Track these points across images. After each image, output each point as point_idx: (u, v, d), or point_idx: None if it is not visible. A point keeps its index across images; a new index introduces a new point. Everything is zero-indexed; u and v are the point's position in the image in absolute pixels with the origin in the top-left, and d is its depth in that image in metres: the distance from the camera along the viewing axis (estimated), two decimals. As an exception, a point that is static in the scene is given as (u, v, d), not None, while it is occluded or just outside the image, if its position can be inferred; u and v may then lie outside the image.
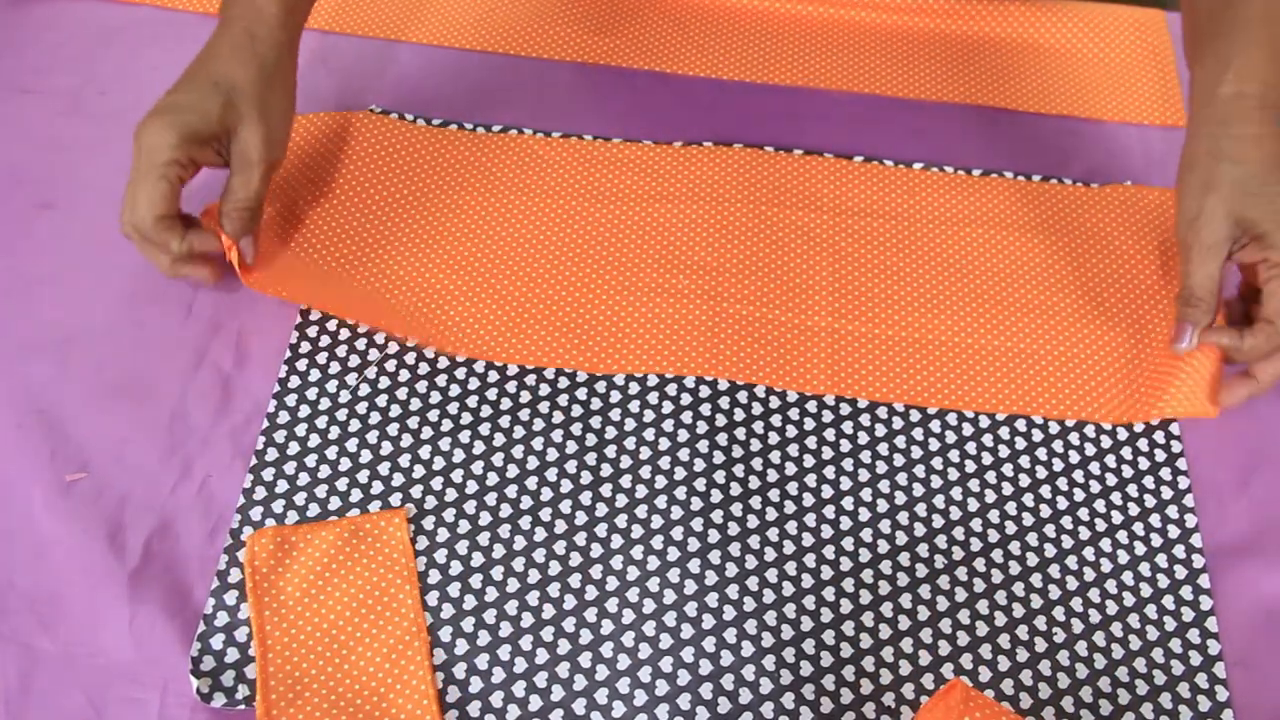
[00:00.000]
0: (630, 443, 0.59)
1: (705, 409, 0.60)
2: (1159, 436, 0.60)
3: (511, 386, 0.61)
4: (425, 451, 0.58)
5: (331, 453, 0.58)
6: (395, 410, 0.60)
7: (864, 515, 0.57)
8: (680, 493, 0.57)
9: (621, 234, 0.67)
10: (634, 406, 0.60)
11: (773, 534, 0.56)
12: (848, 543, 0.56)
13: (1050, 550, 0.57)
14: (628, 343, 0.62)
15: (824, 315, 0.64)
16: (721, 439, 0.59)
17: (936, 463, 0.59)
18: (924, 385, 0.61)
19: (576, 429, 0.59)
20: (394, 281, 0.64)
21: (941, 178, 0.70)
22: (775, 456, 0.59)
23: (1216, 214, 0.56)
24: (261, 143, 0.58)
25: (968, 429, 0.60)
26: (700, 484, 0.57)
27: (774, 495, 0.57)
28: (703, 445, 0.59)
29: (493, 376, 0.61)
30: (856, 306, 0.64)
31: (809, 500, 0.58)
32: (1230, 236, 0.57)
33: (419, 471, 0.58)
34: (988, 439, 0.60)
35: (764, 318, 0.63)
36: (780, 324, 0.63)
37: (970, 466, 0.59)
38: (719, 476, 0.58)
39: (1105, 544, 0.57)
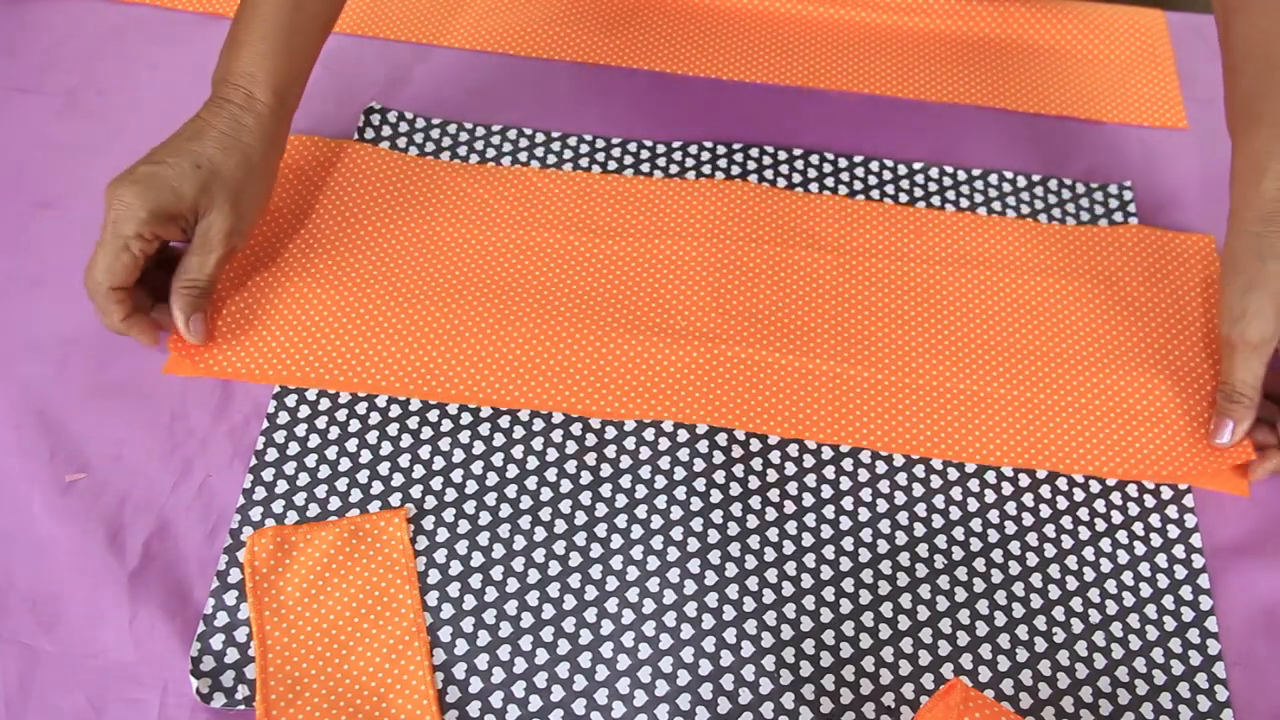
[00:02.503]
0: (630, 443, 0.59)
1: (705, 409, 0.60)
2: (1159, 437, 0.60)
3: (511, 386, 0.61)
4: (425, 451, 0.58)
5: (331, 453, 0.58)
6: (395, 410, 0.60)
7: (864, 515, 0.57)
8: (680, 493, 0.57)
9: (619, 270, 0.65)
10: (634, 406, 0.60)
11: (772, 534, 0.56)
12: (848, 543, 0.56)
13: (1050, 550, 0.57)
14: (625, 388, 0.60)
15: (825, 359, 0.61)
16: (722, 439, 0.59)
17: (937, 463, 0.59)
18: (927, 435, 0.59)
19: (576, 429, 0.59)
20: (379, 321, 0.62)
21: (950, 218, 0.68)
22: (775, 457, 0.59)
23: (1264, 312, 0.55)
24: (229, 232, 0.58)
25: (968, 429, 0.60)
26: (700, 484, 0.57)
27: (774, 495, 0.57)
28: (703, 445, 0.59)
29: (493, 376, 0.61)
30: (860, 351, 0.62)
31: (809, 500, 0.57)
32: (1277, 335, 0.56)
33: (419, 471, 0.58)
34: (988, 439, 0.60)
35: (764, 361, 0.61)
36: (781, 368, 0.61)
37: (970, 466, 0.59)
38: (719, 476, 0.58)
39: (1105, 544, 0.57)
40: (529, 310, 0.63)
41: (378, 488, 0.57)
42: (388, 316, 0.62)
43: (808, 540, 0.56)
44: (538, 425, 0.59)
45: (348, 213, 0.67)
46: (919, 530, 0.57)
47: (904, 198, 0.70)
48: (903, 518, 0.57)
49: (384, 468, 0.58)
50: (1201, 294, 0.65)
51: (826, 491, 0.58)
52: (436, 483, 0.57)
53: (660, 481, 0.58)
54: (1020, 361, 0.62)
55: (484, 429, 0.59)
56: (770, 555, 0.56)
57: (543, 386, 0.60)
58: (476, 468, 0.58)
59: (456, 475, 0.58)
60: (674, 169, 0.70)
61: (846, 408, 0.60)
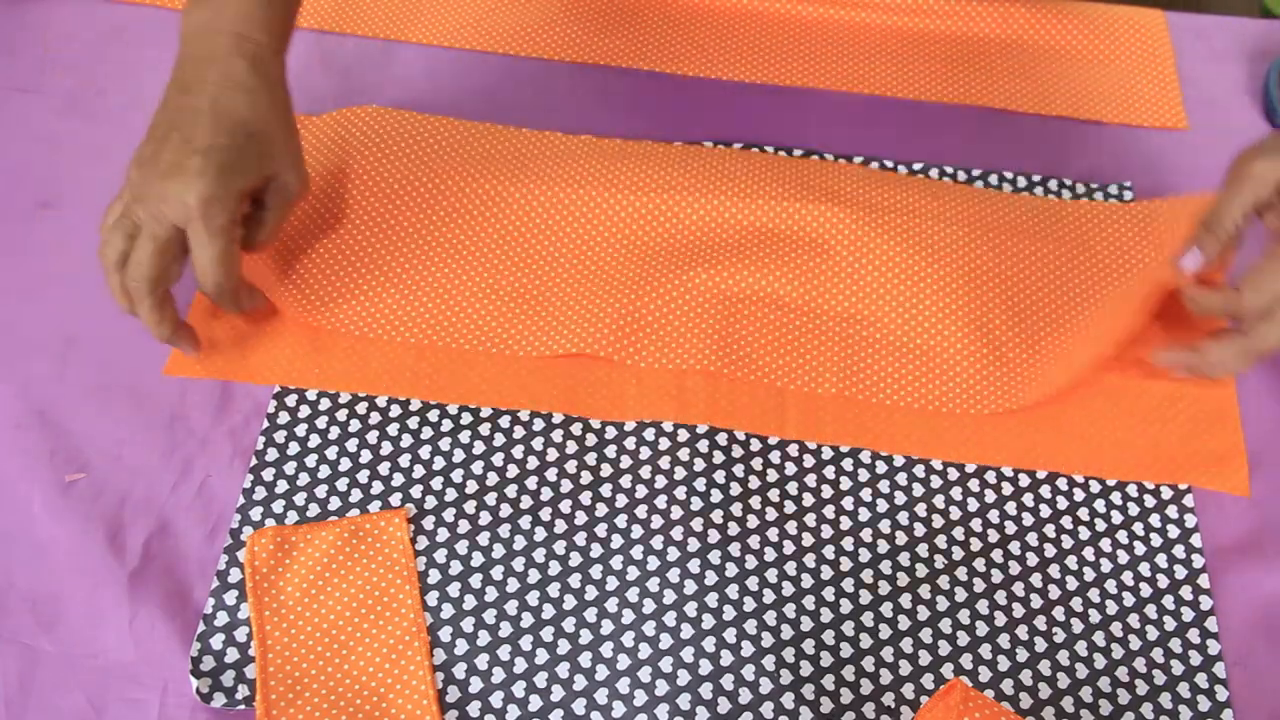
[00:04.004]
0: (630, 443, 0.59)
1: (705, 409, 0.60)
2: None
3: (511, 386, 0.61)
4: (425, 451, 0.58)
5: (331, 453, 0.58)
6: (395, 410, 0.60)
7: (864, 515, 0.57)
8: (680, 493, 0.57)
9: (633, 227, 0.66)
10: (634, 406, 0.60)
11: (773, 534, 0.56)
12: (848, 543, 0.56)
13: (1050, 550, 0.57)
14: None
15: (838, 319, 0.62)
16: (722, 439, 0.59)
17: (937, 463, 0.59)
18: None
19: (577, 429, 0.59)
20: (379, 324, 0.62)
21: (969, 191, 0.68)
22: (775, 457, 0.59)
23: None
24: (301, 182, 0.58)
25: (968, 429, 0.60)
26: (700, 484, 0.57)
27: (774, 495, 0.57)
28: (703, 445, 0.59)
29: (493, 376, 0.61)
30: (873, 310, 0.63)
31: (809, 500, 0.57)
32: (1277, 185, 0.54)
33: (419, 471, 0.58)
34: (988, 439, 0.60)
35: (778, 321, 0.62)
36: (794, 327, 0.62)
37: (971, 466, 0.59)
38: (719, 476, 0.58)
39: (1105, 544, 0.57)
40: (529, 309, 0.63)
41: (378, 488, 0.57)
42: (388, 319, 0.62)
43: (808, 540, 0.56)
44: (538, 425, 0.59)
45: (340, 205, 0.67)
46: (919, 530, 0.57)
47: (904, 198, 0.70)
48: (903, 518, 0.57)
49: (384, 468, 0.58)
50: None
51: (826, 491, 0.58)
52: (436, 483, 0.57)
53: (660, 481, 0.58)
54: (1027, 323, 0.62)
55: (484, 429, 0.59)
56: (770, 555, 0.56)
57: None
58: (476, 468, 0.58)
59: (456, 475, 0.58)
60: (674, 169, 0.70)
61: (853, 362, 0.61)
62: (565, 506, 0.57)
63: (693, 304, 0.63)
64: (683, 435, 0.59)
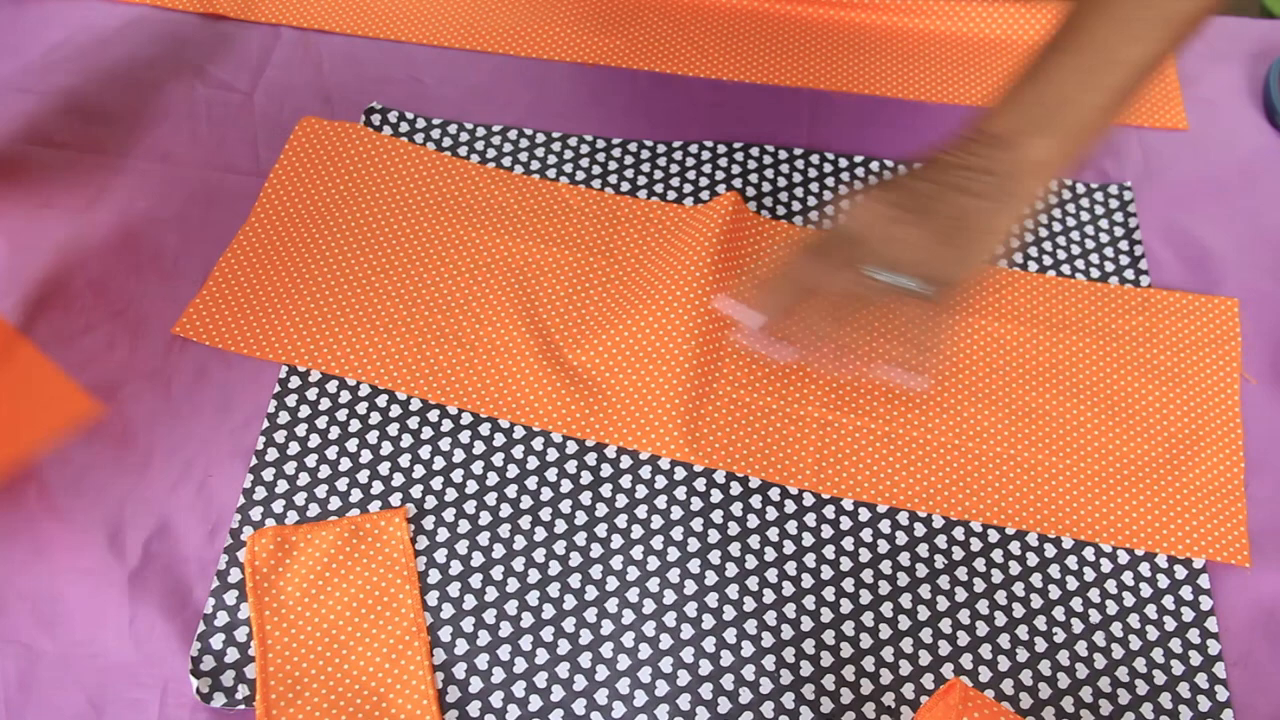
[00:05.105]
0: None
1: (705, 409, 0.60)
2: (1159, 437, 0.60)
3: (511, 386, 0.61)
4: (425, 451, 0.58)
5: (331, 453, 0.58)
6: (395, 410, 0.60)
7: (864, 515, 0.57)
8: (680, 493, 0.57)
9: (612, 290, 0.64)
10: (634, 406, 0.60)
11: (773, 534, 0.56)
12: (848, 543, 0.56)
13: (1050, 550, 0.57)
14: (611, 415, 0.59)
15: (815, 406, 0.60)
16: (721, 439, 0.59)
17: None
18: (911, 489, 0.58)
19: (576, 429, 0.59)
20: (379, 314, 0.62)
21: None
22: (775, 456, 0.59)
23: (816, 253, 0.53)
24: None
25: (968, 429, 0.60)
26: (700, 484, 0.57)
27: (774, 495, 0.57)
28: (703, 445, 0.59)
29: (493, 376, 0.61)
30: (849, 397, 0.60)
31: (809, 500, 0.57)
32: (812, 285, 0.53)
33: (419, 471, 0.58)
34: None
35: (753, 404, 0.60)
36: (770, 411, 0.60)
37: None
38: (719, 476, 0.58)
39: (1105, 544, 0.57)
40: (518, 323, 0.62)
41: (378, 488, 0.57)
42: (388, 310, 0.62)
43: (808, 540, 0.56)
44: (538, 425, 0.59)
45: (358, 202, 0.67)
46: (919, 530, 0.57)
47: (904, 198, 0.69)
48: (903, 518, 0.57)
49: (384, 468, 0.58)
50: (1216, 355, 0.63)
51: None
52: (436, 483, 0.57)
53: (660, 481, 0.58)
54: (1013, 418, 0.60)
55: (484, 429, 0.59)
56: (770, 555, 0.56)
57: (532, 404, 0.60)
58: (476, 468, 0.58)
59: (456, 475, 0.58)
60: (674, 169, 0.70)
61: (829, 454, 0.59)
62: (565, 506, 0.57)
63: (659, 385, 0.60)
64: (683, 435, 0.59)
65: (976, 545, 0.57)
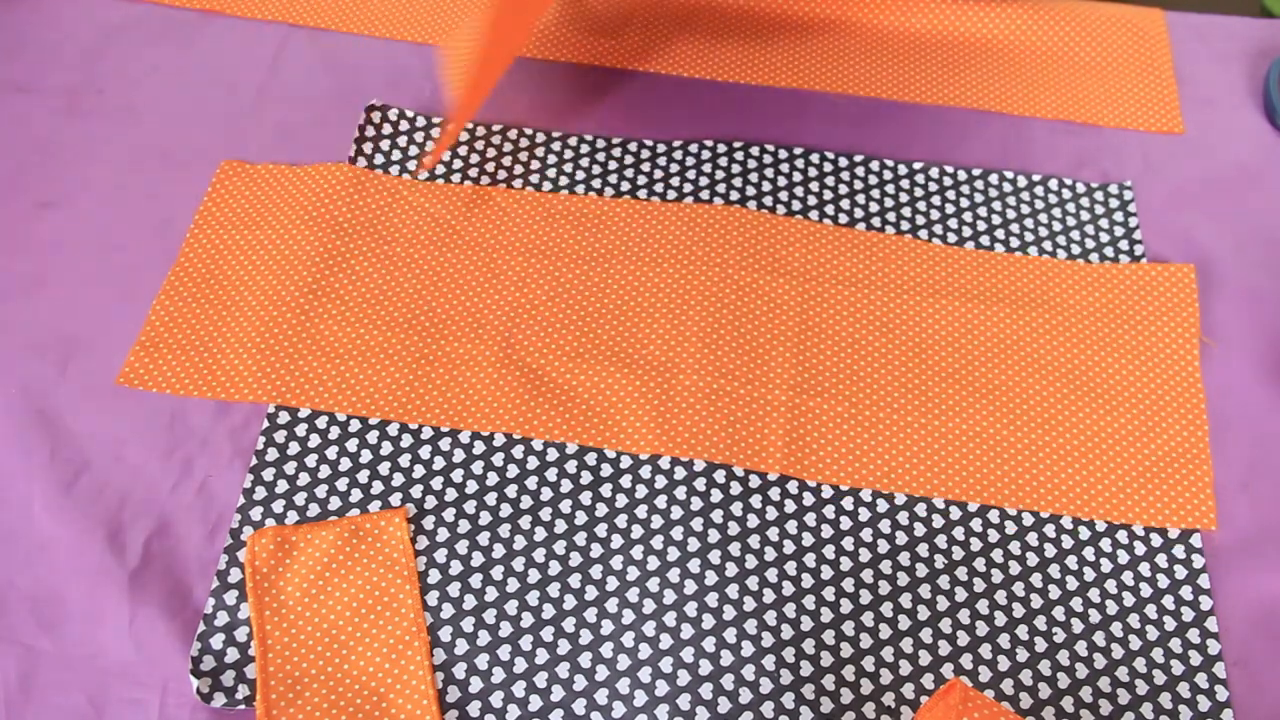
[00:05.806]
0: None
1: (705, 409, 0.60)
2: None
3: (511, 386, 0.61)
4: (425, 451, 0.58)
5: (331, 452, 0.58)
6: (395, 410, 0.60)
7: (864, 515, 0.57)
8: (680, 493, 0.57)
9: (582, 294, 0.64)
10: (634, 406, 0.60)
11: (773, 534, 0.56)
12: (848, 543, 0.56)
13: (1050, 550, 0.57)
14: (579, 415, 0.59)
15: (784, 390, 0.60)
16: (721, 439, 0.59)
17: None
18: (879, 468, 0.58)
19: (576, 429, 0.59)
20: (336, 341, 0.61)
21: (922, 247, 0.66)
22: (775, 456, 0.59)
23: None
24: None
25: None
26: (700, 484, 0.57)
27: (774, 495, 0.57)
28: (703, 445, 0.59)
29: (493, 376, 0.61)
30: (818, 381, 0.61)
31: (809, 500, 0.57)
32: None
33: (419, 471, 0.58)
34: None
35: (720, 390, 0.60)
36: (737, 398, 0.60)
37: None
38: (719, 476, 0.58)
39: (1105, 544, 0.57)
40: (501, 337, 0.62)
41: (378, 488, 0.57)
42: (346, 334, 0.62)
43: (808, 540, 0.56)
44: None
45: (298, 232, 0.65)
46: (919, 530, 0.57)
47: (904, 197, 0.70)
48: (903, 518, 0.57)
49: (384, 468, 0.58)
50: (1175, 322, 0.64)
51: (827, 492, 0.58)
52: (436, 483, 0.57)
53: (660, 481, 0.58)
54: (989, 397, 0.60)
55: (484, 429, 0.59)
56: (770, 555, 0.56)
57: (497, 411, 0.59)
58: (476, 468, 0.58)
59: (456, 475, 0.58)
60: (674, 169, 0.70)
61: (798, 438, 0.59)
62: (565, 506, 0.57)
63: (633, 379, 0.60)
64: (683, 435, 0.59)
65: (977, 545, 0.57)
